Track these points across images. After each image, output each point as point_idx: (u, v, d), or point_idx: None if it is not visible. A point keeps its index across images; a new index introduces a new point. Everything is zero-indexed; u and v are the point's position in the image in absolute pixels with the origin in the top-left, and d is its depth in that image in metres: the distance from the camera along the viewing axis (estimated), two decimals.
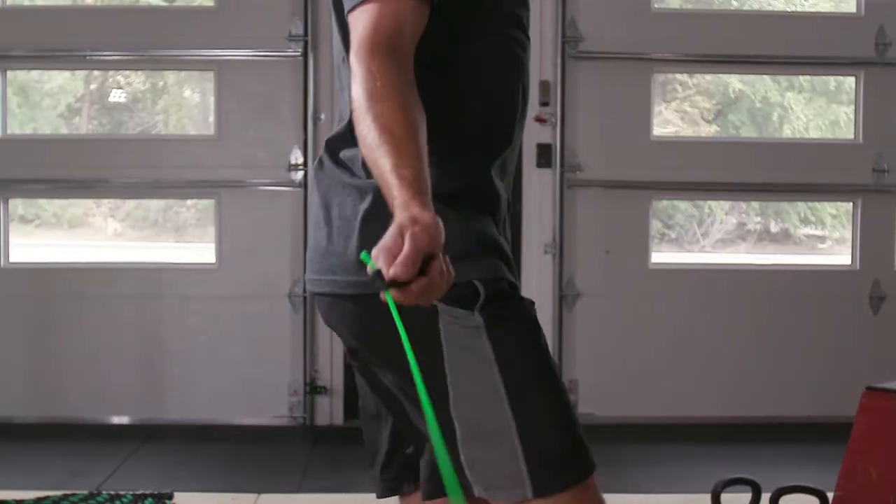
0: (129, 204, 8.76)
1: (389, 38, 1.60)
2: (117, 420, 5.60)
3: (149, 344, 5.66)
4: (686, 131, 8.20)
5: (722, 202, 8.18)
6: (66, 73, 7.28)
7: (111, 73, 6.87)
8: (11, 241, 5.75)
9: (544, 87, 5.58)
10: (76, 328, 5.62)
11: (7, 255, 5.69)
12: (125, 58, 5.77)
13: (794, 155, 5.88)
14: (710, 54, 5.70)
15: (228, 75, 5.64)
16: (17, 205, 8.35)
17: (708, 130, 8.25)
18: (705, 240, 9.49)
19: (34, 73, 6.89)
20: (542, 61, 5.53)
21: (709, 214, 9.30)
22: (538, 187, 5.62)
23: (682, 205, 8.10)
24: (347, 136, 1.77)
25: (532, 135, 5.55)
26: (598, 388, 5.63)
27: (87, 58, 5.65)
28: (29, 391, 5.60)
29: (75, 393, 5.60)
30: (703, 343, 5.69)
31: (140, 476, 4.62)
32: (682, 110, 8.47)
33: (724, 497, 3.52)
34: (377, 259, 1.36)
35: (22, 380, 5.61)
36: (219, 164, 5.61)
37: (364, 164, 1.70)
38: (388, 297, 1.37)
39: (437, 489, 1.85)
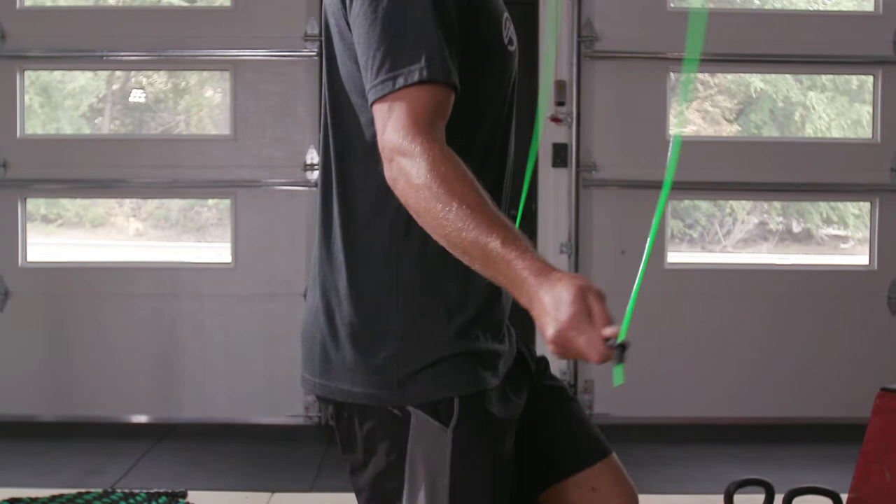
0: (151, 204, 8.79)
1: (435, 122, 1.59)
2: (134, 418, 5.63)
3: (165, 343, 5.69)
4: (707, 131, 8.18)
5: (744, 202, 8.11)
6: (89, 74, 7.36)
7: (133, 73, 6.88)
8: (34, 240, 5.77)
9: (560, 86, 5.57)
10: (93, 327, 5.65)
11: (25, 255, 5.73)
12: (141, 58, 5.80)
13: (809, 154, 5.85)
14: (726, 53, 5.67)
15: (245, 75, 5.65)
16: (40, 204, 8.47)
17: (729, 130, 8.22)
18: (727, 239, 9.46)
19: (56, 74, 6.93)
20: (557, 61, 5.52)
21: (730, 214, 9.27)
22: (554, 187, 5.62)
23: (704, 204, 8.06)
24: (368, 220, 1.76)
25: (548, 134, 5.55)
26: (613, 389, 5.35)
27: (104, 58, 5.68)
28: (46, 390, 5.63)
29: (92, 392, 5.63)
30: (719, 343, 5.66)
31: (155, 474, 4.64)
32: (703, 110, 8.44)
33: (738, 498, 3.51)
34: (576, 329, 1.44)
35: (39, 378, 5.64)
36: (235, 164, 5.63)
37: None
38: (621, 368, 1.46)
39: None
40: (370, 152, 1.68)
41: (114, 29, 5.62)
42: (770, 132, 7.93)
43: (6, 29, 5.59)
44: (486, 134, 1.82)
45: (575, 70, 5.58)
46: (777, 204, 7.40)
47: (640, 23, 5.62)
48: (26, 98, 8.01)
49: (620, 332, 1.43)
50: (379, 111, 1.61)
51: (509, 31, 1.81)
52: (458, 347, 1.75)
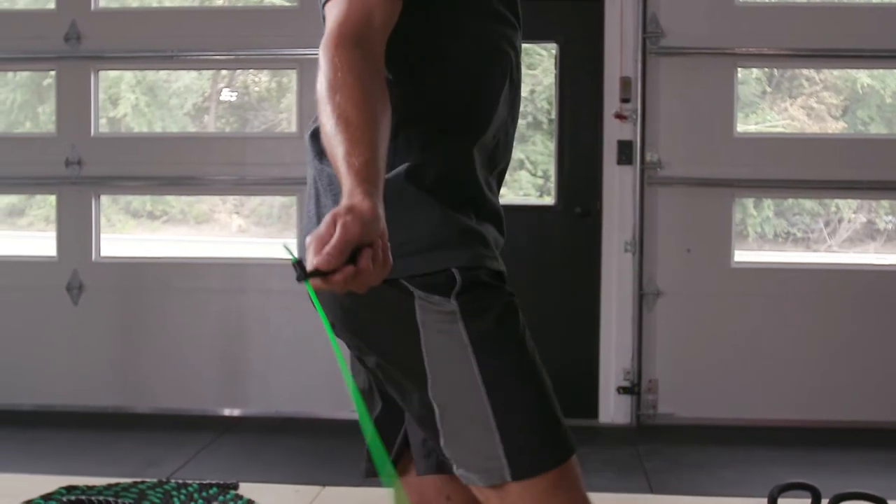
0: (254, 200, 8.89)
1: (357, 29, 1.59)
2: (199, 411, 5.69)
3: (232, 337, 5.75)
4: (812, 128, 8.00)
5: (850, 201, 7.93)
6: (193, 73, 7.44)
7: (238, 72, 6.97)
8: (139, 235, 5.87)
9: (625, 83, 5.52)
10: (162, 321, 5.74)
11: (99, 250, 5.84)
12: (210, 57, 5.88)
13: (873, 151, 5.66)
14: (831, 48, 5.55)
15: (311, 74, 5.66)
16: (146, 201, 8.63)
17: (835, 127, 8.02)
18: (832, 239, 9.24)
19: (162, 74, 7.06)
20: (622, 57, 5.50)
21: (836, 213, 9.06)
22: (618, 184, 5.56)
23: (808, 203, 7.85)
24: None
25: (612, 131, 5.53)
26: (677, 389, 5.55)
27: (175, 57, 5.77)
28: (115, 381, 5.74)
29: (159, 384, 5.73)
30: (785, 344, 5.54)
31: (212, 466, 4.69)
32: (808, 106, 8.26)
33: (783, 502, 3.40)
34: (308, 246, 1.35)
35: (109, 370, 5.75)
36: (300, 161, 5.63)
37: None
38: (308, 285, 1.36)
39: (429, 466, 1.91)
40: None
41: (185, 29, 5.71)
42: (877, 129, 7.70)
43: (81, 30, 5.70)
44: (465, 97, 1.80)
45: (640, 67, 5.50)
46: (885, 202, 7.17)
47: (706, 18, 5.52)
48: (132, 97, 8.24)
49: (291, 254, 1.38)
50: (325, 16, 1.66)
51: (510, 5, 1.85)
52: (455, 221, 1.73)
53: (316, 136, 1.83)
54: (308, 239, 1.36)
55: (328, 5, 1.66)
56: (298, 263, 1.35)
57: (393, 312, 1.70)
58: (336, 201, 1.68)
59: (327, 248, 1.33)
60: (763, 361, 5.53)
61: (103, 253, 5.86)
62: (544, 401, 1.71)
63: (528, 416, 1.70)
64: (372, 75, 1.57)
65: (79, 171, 5.73)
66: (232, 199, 9.36)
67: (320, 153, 1.81)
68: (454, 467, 1.73)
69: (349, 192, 1.42)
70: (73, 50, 5.69)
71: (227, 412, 5.70)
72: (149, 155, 5.77)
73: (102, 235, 5.95)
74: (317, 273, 1.34)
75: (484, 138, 1.83)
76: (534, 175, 6.80)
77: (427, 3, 1.74)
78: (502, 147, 1.91)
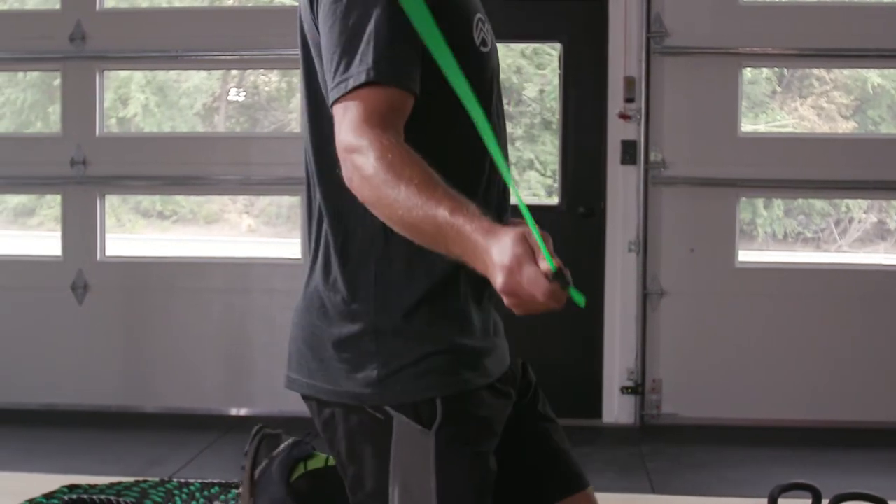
0: (263, 200, 8.89)
1: (387, 120, 1.60)
2: (203, 411, 5.68)
3: (236, 337, 5.75)
4: (822, 127, 7.97)
5: (860, 201, 7.89)
6: (203, 73, 7.44)
7: (248, 72, 6.96)
8: (149, 235, 5.87)
9: (629, 83, 5.49)
10: (167, 321, 5.74)
11: (104, 250, 5.84)
12: (216, 57, 5.88)
13: (882, 150, 5.63)
14: (842, 48, 5.50)
15: None
16: (156, 201, 8.62)
17: (845, 126, 8.00)
18: (843, 239, 9.21)
19: (172, 74, 7.07)
20: (626, 57, 5.49)
21: (846, 213, 9.03)
22: (622, 184, 5.55)
23: (819, 203, 7.82)
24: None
25: (616, 131, 5.51)
26: (681, 389, 5.53)
27: (180, 58, 5.79)
28: (119, 381, 5.75)
29: (163, 384, 5.73)
30: (789, 345, 5.51)
31: (215, 465, 4.68)
32: (818, 106, 8.24)
33: (783, 502, 3.37)
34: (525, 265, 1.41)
35: (113, 370, 5.76)
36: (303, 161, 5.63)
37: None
38: (573, 292, 1.43)
39: None
40: None
41: (190, 29, 5.71)
42: (888, 129, 7.66)
43: (86, 30, 5.70)
44: (469, 129, 1.77)
45: (644, 66, 5.48)
46: None
47: (710, 18, 5.50)
48: (142, 97, 8.25)
49: (549, 262, 1.38)
50: (336, 114, 1.64)
51: (482, 32, 1.80)
52: (440, 344, 1.73)
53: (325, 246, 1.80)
54: (514, 261, 1.41)
55: (341, 106, 1.63)
56: (562, 273, 1.39)
57: (368, 435, 1.74)
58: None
59: (550, 251, 1.40)
60: (767, 362, 5.51)
61: (108, 253, 5.86)
62: None
63: None
64: (417, 154, 1.57)
65: (84, 170, 5.74)
66: (241, 199, 9.36)
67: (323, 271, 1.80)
68: None
69: (488, 229, 1.45)
70: (79, 50, 5.69)
71: (231, 411, 5.70)
72: (154, 155, 5.78)
73: (112, 235, 5.96)
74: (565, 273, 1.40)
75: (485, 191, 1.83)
76: (543, 175, 6.80)
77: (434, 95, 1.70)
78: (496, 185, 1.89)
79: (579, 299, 1.39)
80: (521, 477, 1.89)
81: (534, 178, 6.84)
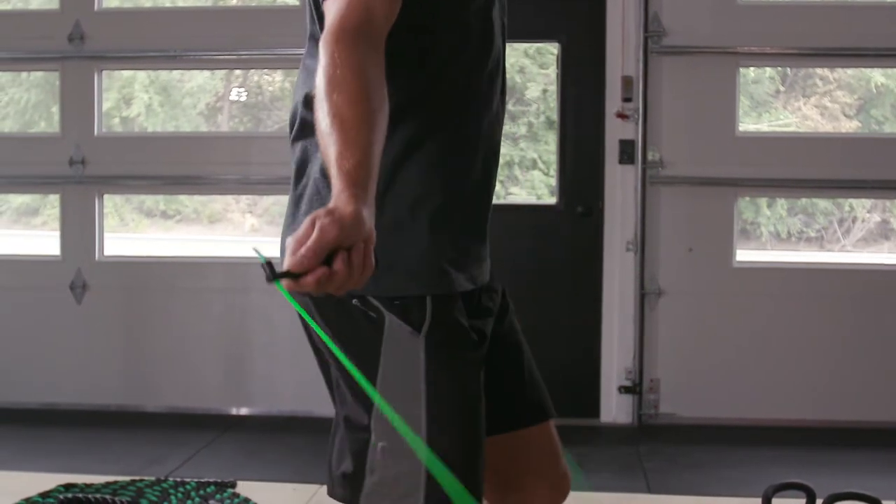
0: (267, 200, 8.87)
1: (357, 25, 1.59)
2: (202, 410, 5.68)
3: (235, 337, 5.75)
4: (826, 127, 7.96)
5: (864, 200, 7.89)
6: (206, 73, 7.43)
7: (252, 72, 6.96)
8: (152, 235, 5.86)
9: (627, 82, 5.48)
10: (166, 320, 5.74)
11: (102, 249, 5.84)
12: (216, 57, 5.88)
13: (883, 149, 5.60)
14: (845, 47, 5.49)
15: None
16: (159, 201, 8.62)
17: (849, 126, 7.98)
18: (846, 238, 9.19)
19: (175, 73, 7.07)
20: (624, 56, 5.47)
21: (850, 212, 9.02)
22: (620, 184, 5.53)
23: (822, 203, 7.80)
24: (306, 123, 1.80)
25: (614, 130, 5.51)
26: (679, 388, 5.52)
27: (179, 57, 5.79)
28: (118, 380, 5.75)
29: (163, 383, 5.73)
30: (787, 344, 5.50)
31: (212, 465, 4.69)
32: (821, 105, 8.22)
33: (777, 502, 3.37)
34: (287, 248, 1.37)
35: (112, 369, 5.76)
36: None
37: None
38: (279, 285, 1.37)
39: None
40: None
41: (189, 28, 5.71)
42: (892, 128, 7.64)
43: (85, 30, 5.71)
44: (470, 72, 1.83)
45: (642, 66, 5.47)
46: None
47: (709, 17, 5.49)
48: (146, 97, 8.25)
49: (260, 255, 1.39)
50: (325, 12, 1.65)
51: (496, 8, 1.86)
52: (431, 243, 1.77)
53: (302, 135, 1.85)
54: (288, 240, 1.38)
55: (327, 3, 1.65)
56: (267, 264, 1.36)
57: (359, 334, 1.76)
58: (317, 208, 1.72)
59: (301, 250, 1.34)
60: (765, 361, 5.50)
61: (107, 252, 5.87)
62: (474, 428, 1.80)
63: (455, 438, 1.77)
64: (371, 70, 1.56)
65: (82, 170, 5.74)
66: (245, 199, 9.36)
67: (303, 160, 1.86)
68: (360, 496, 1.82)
69: (336, 194, 1.42)
70: (77, 50, 5.69)
71: (230, 411, 5.70)
72: (153, 154, 5.78)
73: (115, 235, 5.96)
74: (288, 274, 1.35)
75: (481, 126, 1.86)
76: (546, 174, 6.81)
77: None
78: (496, 133, 1.93)
79: (286, 294, 1.39)
80: (491, 399, 1.89)
81: (537, 178, 6.83)
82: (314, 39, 1.77)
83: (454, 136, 1.82)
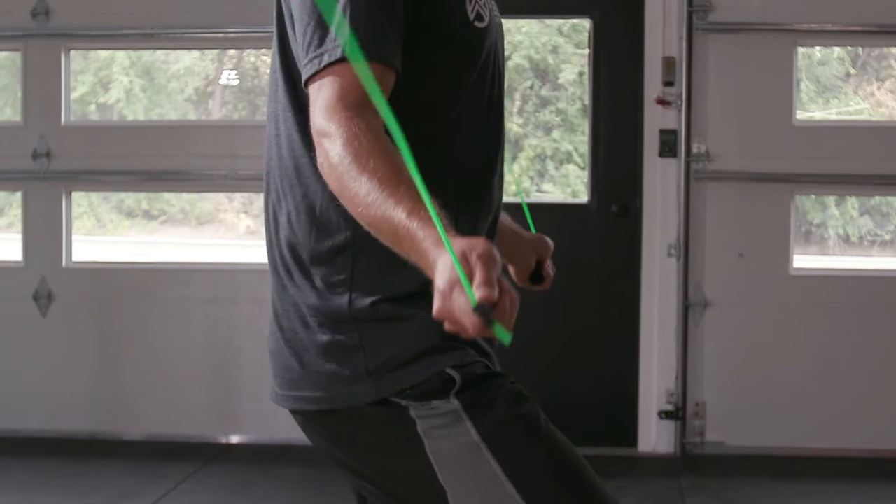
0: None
1: (362, 99, 1.61)
2: (184, 437, 5.59)
3: (221, 353, 5.66)
4: None
5: None
6: (195, 53, 7.41)
7: (246, 52, 6.91)
8: (132, 238, 5.82)
9: (668, 64, 5.41)
10: (143, 335, 5.66)
11: (70, 254, 5.75)
12: (191, 35, 5.79)
13: None
14: (865, 24, 5.41)
15: None
16: (141, 199, 8.57)
17: None
18: None
19: (160, 54, 7.01)
20: (665, 35, 5.42)
21: None
22: (661, 180, 5.47)
23: (871, 202, 7.66)
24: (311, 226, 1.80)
25: (654, 119, 5.45)
26: (728, 414, 5.44)
27: (155, 35, 5.72)
28: (89, 403, 5.67)
29: (139, 406, 5.66)
30: (854, 364, 5.41)
31: (194, 500, 4.64)
32: None
33: None
34: (450, 290, 1.39)
35: (82, 391, 5.68)
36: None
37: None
38: (497, 327, 1.38)
39: None
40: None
41: (171, 3, 5.62)
42: None
43: (50, 5, 5.63)
44: (465, 113, 1.85)
45: (685, 45, 5.39)
46: None
47: None
48: (126, 80, 8.20)
49: (469, 296, 1.37)
50: (311, 93, 1.68)
51: (477, 5, 1.84)
52: (430, 339, 1.73)
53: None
54: (448, 287, 1.38)
55: (315, 84, 1.67)
56: (485, 310, 1.36)
57: (390, 432, 1.74)
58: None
59: (480, 281, 1.36)
60: (827, 382, 5.42)
61: (76, 258, 5.79)
62: (583, 482, 1.72)
63: None
64: (391, 142, 1.56)
65: (47, 164, 5.66)
66: (239, 197, 9.29)
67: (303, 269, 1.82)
68: None
69: (438, 240, 1.43)
70: (41, 27, 5.63)
71: (215, 438, 5.61)
72: (129, 146, 5.70)
73: (87, 237, 5.87)
74: (488, 309, 1.36)
75: (481, 212, 1.88)
76: (583, 169, 6.77)
77: (422, 70, 1.76)
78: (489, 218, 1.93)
79: (504, 338, 1.38)
80: None
81: (572, 173, 6.75)
82: (297, 109, 1.79)
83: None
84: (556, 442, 1.71)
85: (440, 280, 1.39)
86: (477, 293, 1.34)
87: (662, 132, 5.42)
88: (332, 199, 1.67)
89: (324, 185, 1.69)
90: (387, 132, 1.55)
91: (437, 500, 1.70)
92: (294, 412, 1.89)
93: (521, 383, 1.76)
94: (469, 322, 1.37)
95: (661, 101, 5.39)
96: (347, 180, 1.55)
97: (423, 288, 1.67)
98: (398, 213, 1.49)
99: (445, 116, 1.82)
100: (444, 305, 1.39)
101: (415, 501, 1.78)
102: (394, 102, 1.61)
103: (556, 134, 6.61)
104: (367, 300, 1.73)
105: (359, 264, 1.74)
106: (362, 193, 1.53)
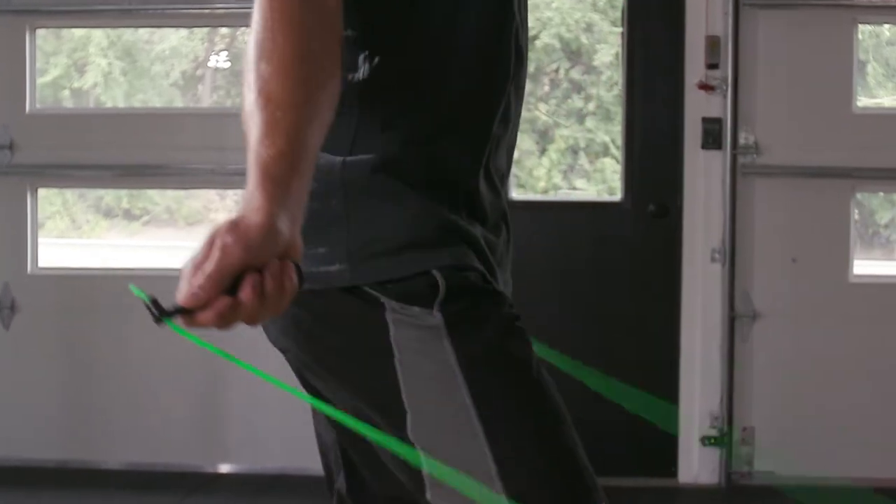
0: None
1: None
2: (162, 466, 5.52)
3: (208, 371, 5.53)
4: None
5: None
6: (182, 32, 7.35)
7: (240, 31, 6.91)
8: (111, 240, 5.78)
9: (712, 44, 5.34)
10: (119, 350, 5.55)
11: (36, 259, 5.67)
12: (173, 10, 5.75)
13: None
14: None
15: None
16: (122, 196, 8.54)
17: None
18: None
19: (142, 33, 6.97)
20: (709, 11, 5.38)
21: None
22: (704, 175, 5.41)
23: None
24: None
25: (696, 106, 5.41)
26: (779, 440, 5.36)
27: (134, 12, 5.65)
28: (57, 429, 5.59)
29: (114, 432, 5.57)
30: None
31: None
32: None
33: None
34: (182, 275, 1.38)
35: (50, 414, 5.60)
36: None
37: None
38: (172, 325, 1.40)
39: None
40: None
41: None
42: None
43: None
44: (466, 73, 1.78)
45: (731, 22, 5.31)
46: None
47: None
48: (104, 63, 8.14)
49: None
50: None
51: None
52: (438, 216, 1.72)
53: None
54: (183, 265, 1.38)
55: None
56: (153, 303, 1.38)
57: (358, 331, 1.70)
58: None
59: (196, 280, 1.36)
60: (893, 405, 5.32)
61: (42, 263, 5.71)
62: (564, 446, 1.69)
63: (543, 469, 1.66)
64: (316, 31, 1.52)
65: (10, 157, 5.56)
66: (231, 195, 9.26)
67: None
68: None
69: (246, 197, 1.41)
70: (3, 2, 5.55)
71: (202, 467, 5.52)
72: (104, 137, 5.59)
73: (59, 240, 5.77)
74: (181, 311, 1.36)
75: (495, 131, 1.81)
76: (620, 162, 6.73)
77: None
78: (507, 137, 1.88)
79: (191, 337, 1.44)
80: None
81: (609, 168, 6.70)
82: None
83: (453, 141, 1.77)
84: (543, 394, 1.67)
85: (200, 245, 1.38)
86: (182, 290, 1.37)
87: (705, 121, 5.36)
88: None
89: None
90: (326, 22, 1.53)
91: (395, 425, 1.65)
92: None
93: (520, 316, 1.72)
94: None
95: (704, 86, 5.33)
96: (244, 77, 1.50)
97: (435, 181, 1.71)
98: (251, 137, 1.45)
99: (443, 72, 1.75)
100: (184, 268, 1.39)
101: (373, 422, 1.70)
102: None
103: (590, 123, 6.58)
104: (364, 162, 1.69)
105: (362, 122, 1.71)
106: (243, 96, 1.49)
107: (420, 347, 1.65)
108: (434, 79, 1.76)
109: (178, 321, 1.37)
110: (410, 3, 1.73)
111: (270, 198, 1.38)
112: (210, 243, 1.36)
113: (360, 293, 1.67)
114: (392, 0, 1.71)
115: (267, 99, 1.45)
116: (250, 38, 1.51)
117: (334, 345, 1.73)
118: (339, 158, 1.69)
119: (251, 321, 1.40)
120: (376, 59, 1.67)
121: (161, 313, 1.37)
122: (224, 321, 1.37)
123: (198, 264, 1.36)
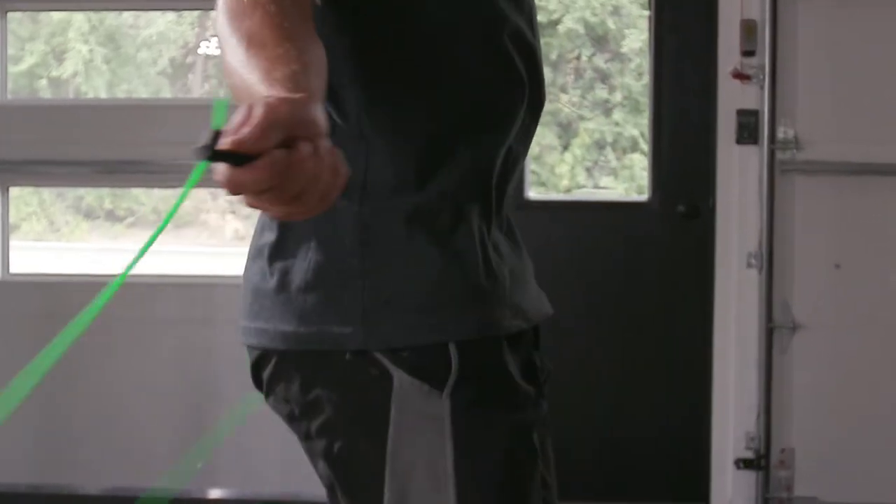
0: None
1: None
2: (148, 491, 5.35)
3: (196, 386, 5.55)
4: None
5: None
6: (170, 16, 7.43)
7: None
8: (93, 244, 5.76)
9: (748, 28, 5.27)
10: (99, 364, 5.50)
11: (7, 264, 5.65)
12: None
13: None
14: None
15: None
16: (104, 196, 8.52)
17: None
18: None
19: (127, 17, 7.05)
20: None
21: None
22: (739, 172, 5.35)
23: None
24: None
25: (731, 97, 5.35)
26: (821, 463, 5.29)
27: None
28: (31, 451, 5.57)
29: (93, 454, 5.51)
30: None
31: None
32: None
33: None
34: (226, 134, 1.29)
35: (22, 435, 5.50)
36: None
37: None
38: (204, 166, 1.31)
39: None
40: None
41: None
42: None
43: None
44: (470, 59, 1.81)
45: (769, 5, 5.24)
46: None
47: None
48: (85, 49, 8.13)
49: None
50: None
51: None
52: (446, 261, 1.75)
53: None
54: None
55: None
56: (215, 135, 1.24)
57: (358, 406, 1.73)
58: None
59: (246, 127, 1.25)
60: None
61: (14, 268, 5.68)
62: None
63: None
64: (293, 14, 1.54)
65: None
66: (224, 195, 9.25)
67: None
68: None
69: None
70: None
71: (187, 492, 5.44)
72: (83, 130, 5.55)
73: (36, 243, 5.71)
74: (231, 157, 1.23)
75: (504, 142, 1.84)
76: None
77: None
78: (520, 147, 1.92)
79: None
80: None
81: (638, 164, 6.67)
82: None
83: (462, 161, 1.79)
84: (524, 485, 1.73)
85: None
86: (230, 135, 1.26)
87: (741, 113, 5.29)
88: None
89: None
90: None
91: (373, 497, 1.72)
92: (251, 349, 1.85)
93: (543, 424, 1.77)
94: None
95: (739, 76, 5.25)
96: (221, 46, 1.51)
97: (440, 203, 1.73)
98: (254, 78, 1.41)
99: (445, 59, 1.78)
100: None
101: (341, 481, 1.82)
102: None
103: (617, 115, 6.49)
104: (385, 200, 1.72)
105: (373, 154, 1.73)
106: (227, 61, 1.48)
107: (418, 441, 1.68)
108: (434, 97, 1.77)
109: (224, 167, 1.22)
110: (404, 21, 1.75)
111: (300, 89, 1.35)
112: (249, 107, 1.25)
113: (371, 360, 1.69)
114: (385, 20, 1.73)
115: (262, 44, 1.45)
116: (219, 12, 1.52)
117: (329, 416, 1.77)
118: (354, 197, 1.70)
119: (302, 194, 1.26)
120: (372, 105, 1.70)
121: (210, 153, 1.22)
122: (278, 177, 1.23)
123: (242, 121, 1.23)
